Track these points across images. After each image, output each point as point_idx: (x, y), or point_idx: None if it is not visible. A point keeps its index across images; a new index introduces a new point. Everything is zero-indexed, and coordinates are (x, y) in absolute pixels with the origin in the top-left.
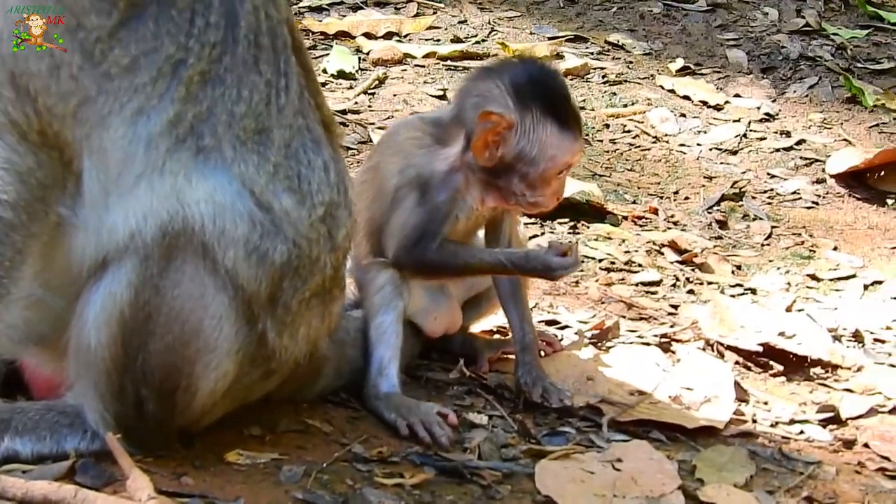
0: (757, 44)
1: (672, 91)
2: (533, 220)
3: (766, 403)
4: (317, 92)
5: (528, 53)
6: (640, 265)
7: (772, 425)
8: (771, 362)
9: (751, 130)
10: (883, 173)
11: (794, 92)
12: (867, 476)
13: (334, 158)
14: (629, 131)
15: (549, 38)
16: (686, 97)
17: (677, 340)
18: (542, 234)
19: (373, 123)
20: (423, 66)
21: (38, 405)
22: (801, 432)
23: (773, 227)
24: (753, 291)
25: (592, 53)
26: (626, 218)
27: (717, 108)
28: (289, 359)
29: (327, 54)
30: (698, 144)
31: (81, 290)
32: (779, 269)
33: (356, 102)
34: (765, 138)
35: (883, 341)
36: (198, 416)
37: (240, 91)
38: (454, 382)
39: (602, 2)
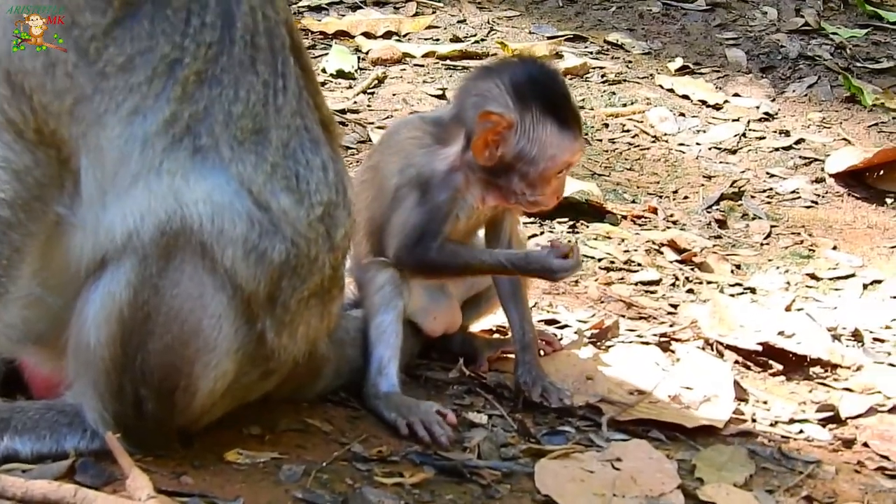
0: (756, 43)
1: (671, 90)
2: (532, 219)
3: (765, 403)
4: (316, 92)
5: (528, 53)
6: (639, 264)
7: (771, 424)
8: (770, 361)
9: (750, 130)
10: (882, 172)
11: (794, 91)
12: (866, 475)
13: (333, 158)
14: (628, 131)
15: (549, 38)
16: (685, 96)
17: (677, 340)
18: (542, 233)
19: (372, 123)
20: (422, 66)
21: (38, 404)
22: (801, 431)
23: (772, 226)
24: (753, 291)
25: (591, 53)
26: (625, 217)
27: (717, 107)
28: (288, 358)
29: (326, 54)
30: (697, 144)
31: (80, 290)
32: (778, 268)
33: (355, 102)
34: (764, 137)
35: (882, 340)
36: (197, 416)
37: (237, 91)
38: (454, 382)
39: (601, 1)
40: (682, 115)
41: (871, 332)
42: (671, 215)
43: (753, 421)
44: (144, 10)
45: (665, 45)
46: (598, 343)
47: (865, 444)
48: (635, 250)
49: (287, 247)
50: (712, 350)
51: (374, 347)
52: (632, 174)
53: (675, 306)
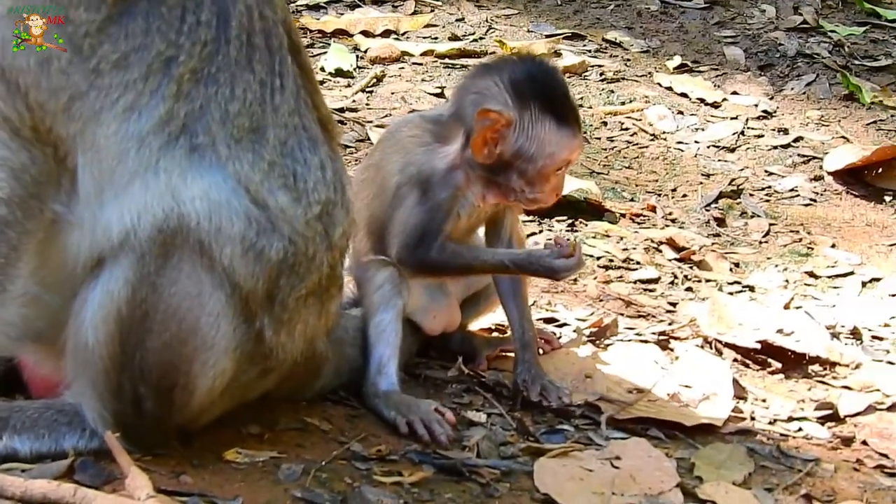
0: (754, 41)
1: (670, 88)
2: (531, 217)
3: (764, 401)
4: (314, 91)
5: (526, 51)
6: (638, 263)
7: (770, 423)
8: (769, 360)
9: (748, 128)
10: (880, 170)
11: (792, 89)
12: (865, 473)
13: (331, 157)
14: (627, 129)
15: (547, 36)
16: (684, 94)
17: (676, 338)
18: (541, 231)
19: (371, 121)
20: (420, 64)
21: (37, 404)
22: (800, 430)
23: (770, 224)
24: (751, 289)
25: (590, 51)
26: (623, 215)
27: (715, 105)
28: (286, 357)
29: (325, 52)
30: (696, 142)
31: (78, 288)
32: (777, 266)
33: (354, 100)
34: (762, 136)
35: (881, 338)
36: (196, 415)
37: (233, 89)
38: (453, 380)
39: None
40: (681, 113)
41: (869, 330)
42: (670, 213)
43: (752, 419)
44: (139, 7)
45: (663, 43)
46: (597, 341)
47: (864, 442)
48: (634, 248)
49: (285, 245)
50: (711, 348)
51: (374, 346)
52: (630, 172)
53: (673, 304)
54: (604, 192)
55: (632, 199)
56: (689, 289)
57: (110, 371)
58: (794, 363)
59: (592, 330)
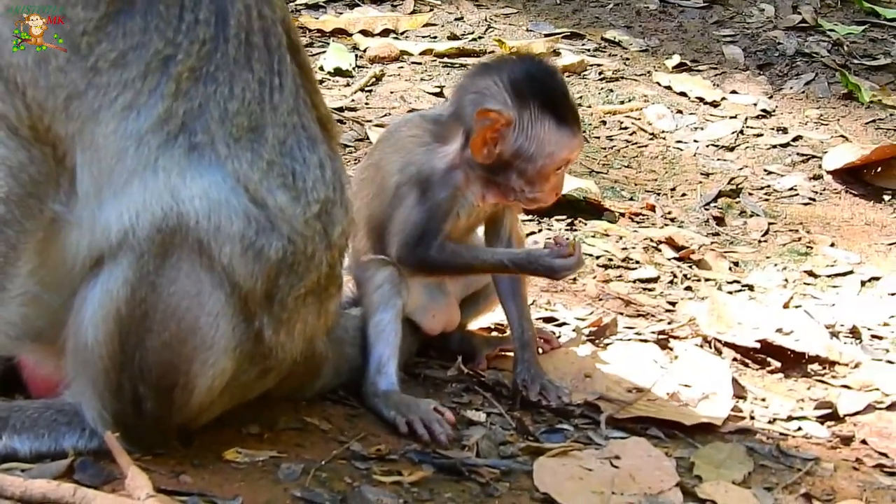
0: (753, 40)
1: (669, 87)
2: (530, 216)
3: (763, 400)
4: (313, 90)
5: (526, 50)
6: (637, 262)
7: (769, 422)
8: (768, 359)
9: (747, 127)
10: (879, 169)
11: (791, 88)
12: (865, 472)
13: (330, 156)
14: (626, 128)
15: (546, 35)
16: (683, 94)
17: (675, 337)
18: (540, 230)
19: (370, 121)
20: (419, 64)
21: (37, 403)
22: (799, 429)
23: (770, 223)
24: (751, 288)
25: (589, 50)
26: (623, 215)
27: (714, 104)
28: (286, 356)
29: (324, 52)
30: (695, 141)
31: (77, 287)
32: (776, 265)
33: (353, 100)
34: (761, 135)
35: (880, 337)
36: (196, 414)
37: (232, 88)
38: (452, 380)
39: None
40: (680, 112)
41: (868, 329)
42: (669, 212)
43: (752, 418)
44: (137, 6)
45: (662, 42)
46: (597, 341)
47: (864, 442)
48: (633, 248)
49: (284, 244)
50: (710, 347)
51: (373, 346)
52: (629, 171)
53: (673, 304)
54: (603, 192)
55: (631, 199)
56: (688, 288)
57: (110, 371)
58: (793, 362)
59: (592, 329)
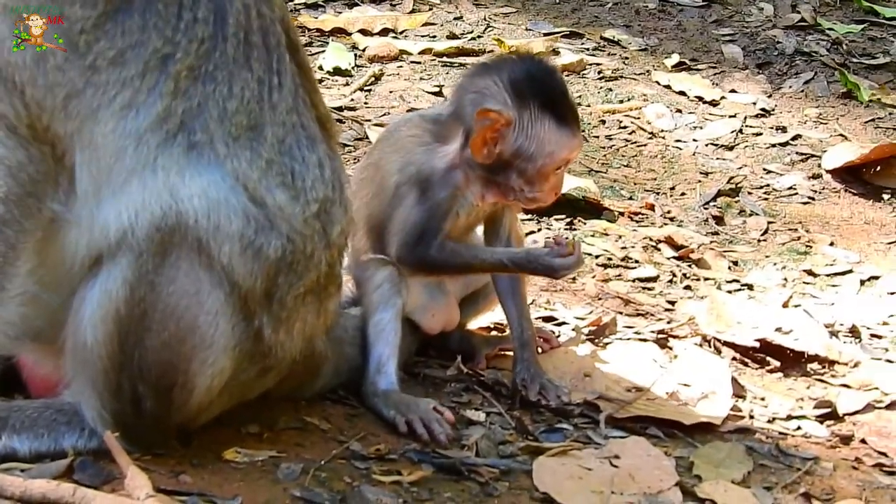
0: (752, 39)
1: (668, 87)
2: (529, 216)
3: (763, 399)
4: (313, 90)
5: (525, 49)
6: (636, 261)
7: (769, 421)
8: (768, 358)
9: (747, 126)
10: (879, 168)
11: (790, 87)
12: (864, 472)
13: (330, 156)
14: (625, 127)
15: (545, 35)
16: (682, 93)
17: (674, 336)
18: (539, 230)
19: (369, 120)
20: (419, 63)
21: (36, 403)
22: (799, 428)
23: (769, 222)
24: (750, 287)
25: (588, 49)
26: (622, 214)
27: (713, 103)
28: (285, 355)
29: (323, 51)
30: (694, 140)
31: (77, 287)
32: (775, 264)
33: (352, 99)
34: (761, 134)
35: (879, 336)
36: (195, 414)
37: (231, 87)
38: (452, 379)
39: None
40: (679, 111)
41: (868, 328)
42: (668, 212)
43: (751, 418)
44: (136, 4)
45: (661, 41)
46: (596, 340)
47: (863, 441)
48: (632, 247)
49: (283, 243)
50: (710, 347)
51: (373, 345)
52: (629, 171)
53: (672, 303)
54: (602, 191)
55: (630, 198)
56: (687, 287)
57: (109, 370)
58: (792, 361)
59: (591, 328)
